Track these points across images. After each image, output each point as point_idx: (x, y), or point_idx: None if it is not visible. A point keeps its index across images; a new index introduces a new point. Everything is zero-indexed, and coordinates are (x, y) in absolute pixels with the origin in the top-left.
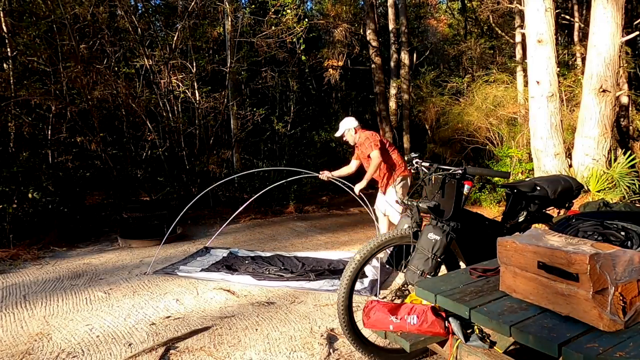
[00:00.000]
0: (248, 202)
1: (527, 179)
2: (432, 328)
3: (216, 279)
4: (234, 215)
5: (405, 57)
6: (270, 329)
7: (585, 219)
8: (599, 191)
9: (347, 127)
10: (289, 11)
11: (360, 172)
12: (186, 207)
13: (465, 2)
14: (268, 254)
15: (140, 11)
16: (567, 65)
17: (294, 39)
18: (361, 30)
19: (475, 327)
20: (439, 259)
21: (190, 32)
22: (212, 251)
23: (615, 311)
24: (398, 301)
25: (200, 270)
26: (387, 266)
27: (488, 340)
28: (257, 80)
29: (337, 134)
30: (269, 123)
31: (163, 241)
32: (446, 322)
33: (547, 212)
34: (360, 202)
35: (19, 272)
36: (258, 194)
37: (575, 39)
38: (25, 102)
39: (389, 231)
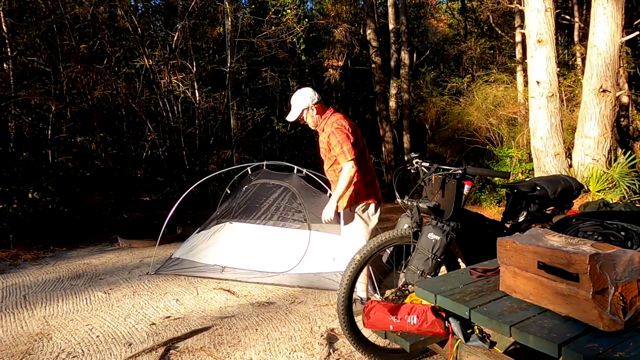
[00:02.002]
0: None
1: (527, 179)
2: (432, 328)
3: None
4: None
5: (405, 57)
6: (270, 329)
7: (585, 219)
8: (599, 191)
9: (304, 105)
10: (289, 11)
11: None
12: (174, 207)
13: (465, 2)
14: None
15: (140, 11)
16: (567, 65)
17: (294, 39)
18: (361, 30)
19: (475, 327)
20: (439, 259)
21: (190, 32)
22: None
23: (615, 311)
24: (398, 301)
25: (196, 242)
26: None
27: (488, 340)
28: (257, 80)
29: (291, 118)
30: (269, 123)
31: (158, 240)
32: (446, 322)
33: (547, 212)
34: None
35: (19, 272)
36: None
37: (575, 39)
38: (25, 102)
39: (389, 231)
